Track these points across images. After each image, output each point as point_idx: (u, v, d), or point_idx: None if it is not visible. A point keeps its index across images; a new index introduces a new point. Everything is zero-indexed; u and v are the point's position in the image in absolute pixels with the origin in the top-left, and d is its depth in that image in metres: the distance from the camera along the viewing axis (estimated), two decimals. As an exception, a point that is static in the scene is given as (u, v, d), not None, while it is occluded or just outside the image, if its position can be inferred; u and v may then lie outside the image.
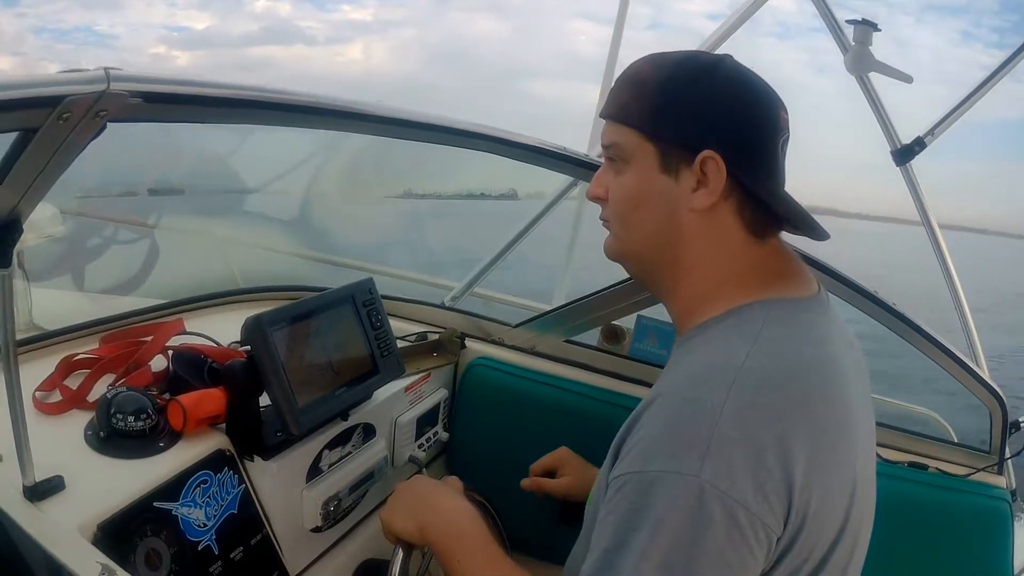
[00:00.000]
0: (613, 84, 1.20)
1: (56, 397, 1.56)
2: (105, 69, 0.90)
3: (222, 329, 1.88)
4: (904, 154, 2.78)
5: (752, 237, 1.15)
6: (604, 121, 1.20)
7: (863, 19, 2.74)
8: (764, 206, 1.12)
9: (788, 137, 1.14)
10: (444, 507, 1.37)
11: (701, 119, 1.10)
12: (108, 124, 0.98)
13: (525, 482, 1.73)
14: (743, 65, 1.14)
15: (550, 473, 1.75)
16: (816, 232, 1.17)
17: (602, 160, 1.24)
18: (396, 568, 1.37)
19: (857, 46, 2.73)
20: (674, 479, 0.92)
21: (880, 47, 2.71)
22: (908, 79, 2.81)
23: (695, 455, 0.92)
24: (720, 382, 0.98)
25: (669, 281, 1.21)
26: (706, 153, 1.08)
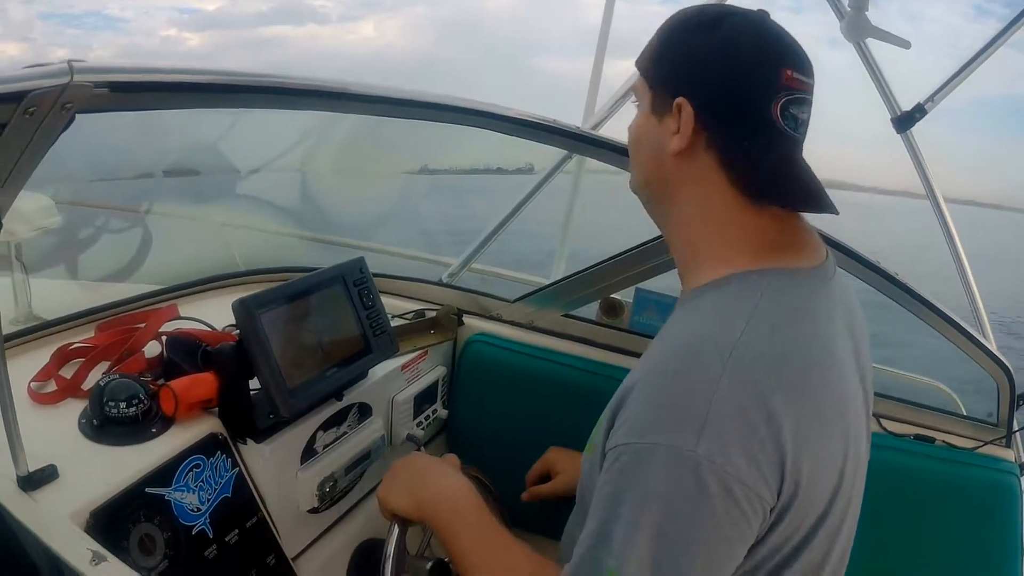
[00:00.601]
0: None
1: (51, 387, 1.57)
2: (68, 61, 0.91)
3: (217, 313, 1.88)
4: (904, 121, 2.75)
5: (747, 198, 1.13)
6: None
7: None
8: (755, 167, 1.11)
9: (799, 99, 1.10)
10: (440, 483, 1.38)
11: (682, 67, 1.13)
12: (77, 115, 0.99)
13: (524, 495, 1.75)
14: (761, 20, 1.12)
15: (545, 477, 1.77)
16: (817, 205, 1.12)
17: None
18: (392, 544, 1.39)
19: (853, 12, 2.70)
20: (670, 452, 0.93)
21: (893, 21, 2.67)
22: (906, 44, 2.77)
23: (691, 429, 0.93)
24: (715, 355, 0.99)
25: (671, 225, 1.24)
26: (679, 100, 1.11)
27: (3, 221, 1.15)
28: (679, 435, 0.93)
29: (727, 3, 1.22)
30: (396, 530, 1.39)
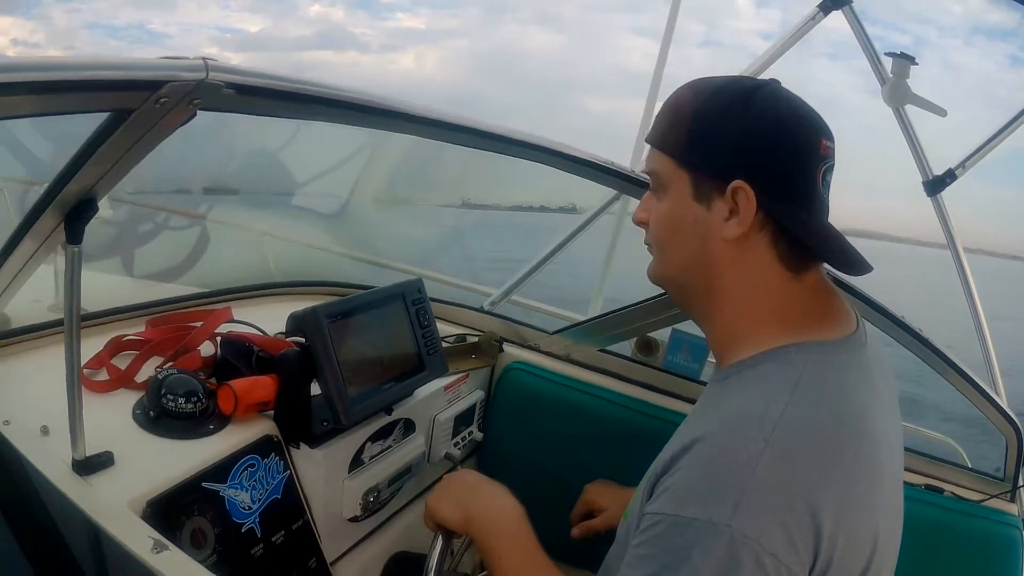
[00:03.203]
0: (659, 110, 1.21)
1: (103, 376, 1.59)
2: (203, 59, 0.93)
3: (265, 319, 1.91)
4: (935, 185, 2.82)
5: (788, 272, 1.14)
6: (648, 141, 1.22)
7: (901, 53, 2.77)
8: (799, 239, 1.11)
9: (832, 166, 1.12)
10: (493, 503, 1.39)
11: (732, 148, 1.09)
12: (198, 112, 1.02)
13: (575, 533, 1.72)
14: (786, 91, 1.13)
15: (589, 514, 1.75)
16: (856, 268, 1.14)
17: (645, 175, 1.25)
18: (435, 555, 1.38)
19: (895, 79, 2.77)
20: (707, 527, 0.94)
21: (929, 70, 2.73)
22: (942, 112, 2.84)
23: (728, 505, 0.94)
24: (757, 432, 0.99)
25: (705, 309, 1.22)
26: (736, 183, 1.08)
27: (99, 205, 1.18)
28: (716, 509, 0.94)
29: (741, 75, 1.21)
30: (440, 543, 1.39)
